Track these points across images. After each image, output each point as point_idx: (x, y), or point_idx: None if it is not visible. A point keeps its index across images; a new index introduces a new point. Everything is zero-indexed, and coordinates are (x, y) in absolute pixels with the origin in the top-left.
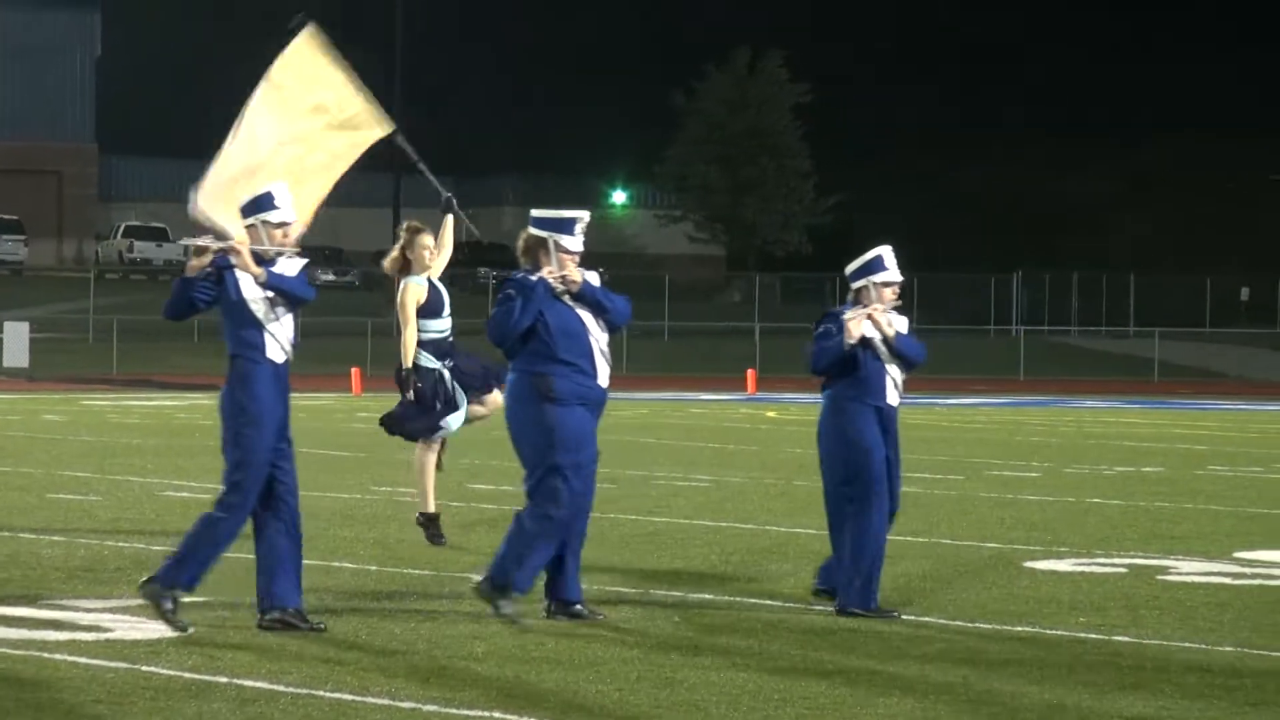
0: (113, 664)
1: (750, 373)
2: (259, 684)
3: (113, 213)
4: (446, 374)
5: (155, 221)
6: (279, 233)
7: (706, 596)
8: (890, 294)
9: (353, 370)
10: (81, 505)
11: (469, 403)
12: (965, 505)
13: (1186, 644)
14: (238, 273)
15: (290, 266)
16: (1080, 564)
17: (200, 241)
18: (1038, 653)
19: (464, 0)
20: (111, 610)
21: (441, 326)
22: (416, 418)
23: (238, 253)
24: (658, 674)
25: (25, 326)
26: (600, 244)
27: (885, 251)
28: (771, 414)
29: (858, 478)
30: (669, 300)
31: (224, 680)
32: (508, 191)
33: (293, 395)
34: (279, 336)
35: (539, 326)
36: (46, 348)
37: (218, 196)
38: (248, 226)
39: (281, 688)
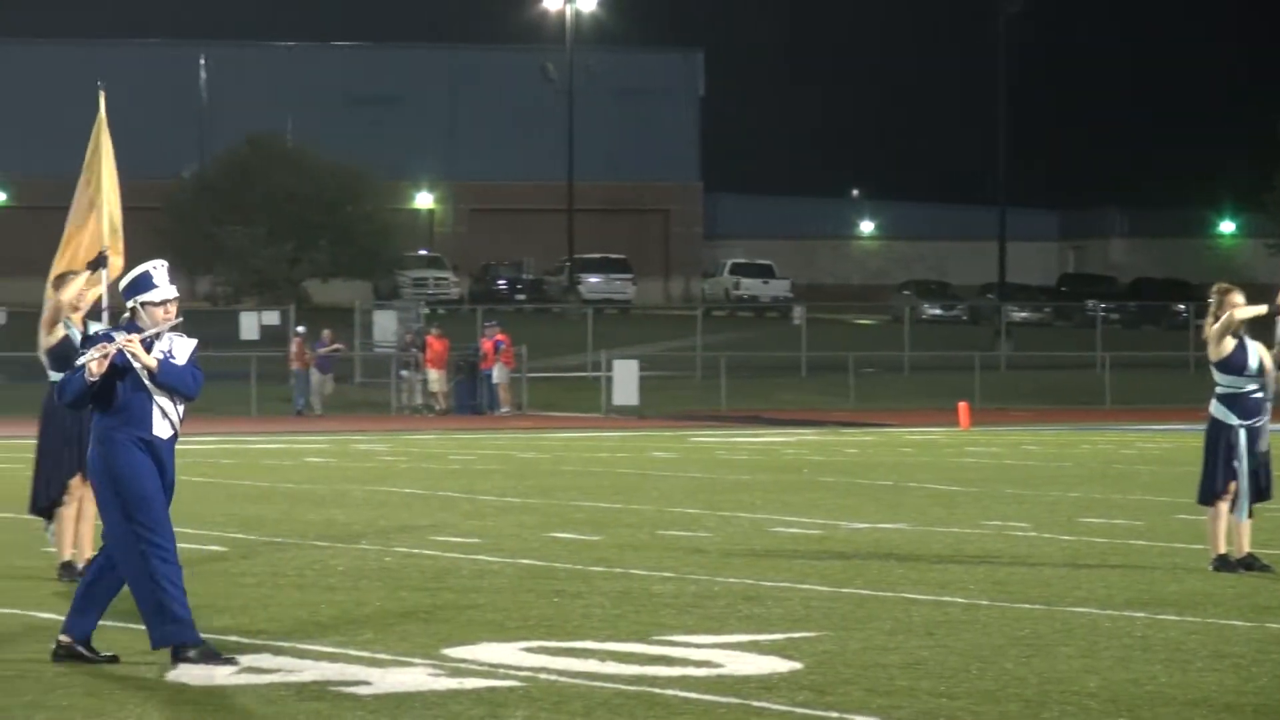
0: (724, 699)
1: None
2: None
3: (718, 250)
4: (1243, 434)
5: (761, 259)
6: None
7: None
8: (162, 314)
9: (960, 404)
10: (691, 541)
11: None
12: None
13: None
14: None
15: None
16: None
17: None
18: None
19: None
20: (723, 646)
21: (1240, 383)
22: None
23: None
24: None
25: (634, 364)
26: (1207, 273)
27: (154, 267)
28: None
29: (139, 514)
30: None
31: (834, 715)
32: (1115, 222)
33: (901, 430)
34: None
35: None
36: (655, 385)
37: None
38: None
39: None
